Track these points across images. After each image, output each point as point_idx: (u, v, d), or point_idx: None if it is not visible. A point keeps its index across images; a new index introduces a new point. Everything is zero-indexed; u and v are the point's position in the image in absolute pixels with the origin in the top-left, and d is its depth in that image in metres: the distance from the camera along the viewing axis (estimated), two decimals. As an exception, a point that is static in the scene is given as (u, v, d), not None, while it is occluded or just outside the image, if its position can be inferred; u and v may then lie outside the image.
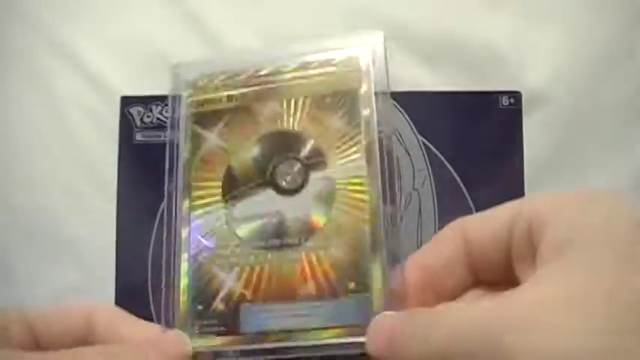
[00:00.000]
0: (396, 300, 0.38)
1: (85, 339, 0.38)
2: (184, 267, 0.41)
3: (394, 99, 0.49)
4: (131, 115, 0.50)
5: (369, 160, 0.41)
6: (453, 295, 0.38)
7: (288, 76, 0.44)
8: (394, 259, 0.39)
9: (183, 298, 0.41)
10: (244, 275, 0.40)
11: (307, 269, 0.40)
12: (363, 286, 0.39)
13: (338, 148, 0.42)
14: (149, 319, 0.43)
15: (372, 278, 0.39)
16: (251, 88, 0.44)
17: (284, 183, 0.42)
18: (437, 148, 0.50)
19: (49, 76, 0.54)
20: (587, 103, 0.53)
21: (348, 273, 0.40)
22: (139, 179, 0.49)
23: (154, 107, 0.49)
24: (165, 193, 0.42)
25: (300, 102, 0.43)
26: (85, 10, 0.55)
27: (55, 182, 0.53)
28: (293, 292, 0.40)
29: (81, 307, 0.39)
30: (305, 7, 0.54)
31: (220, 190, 0.42)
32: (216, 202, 0.42)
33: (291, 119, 0.43)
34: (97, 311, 0.39)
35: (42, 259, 0.52)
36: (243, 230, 0.41)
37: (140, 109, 0.50)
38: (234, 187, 0.42)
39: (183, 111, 0.44)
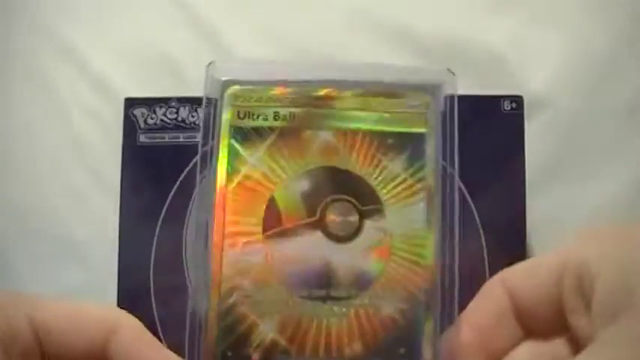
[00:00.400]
0: None
1: (98, 353, 0.34)
2: (214, 306, 0.36)
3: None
4: (135, 116, 0.49)
5: (430, 216, 0.37)
6: (505, 352, 0.37)
7: (347, 103, 0.39)
8: (448, 321, 0.36)
9: (211, 341, 0.36)
10: (285, 325, 0.36)
11: (355, 327, 0.36)
12: (414, 352, 0.36)
13: (397, 197, 0.38)
14: (152, 321, 0.43)
15: (424, 344, 0.36)
16: (302, 109, 0.38)
17: (336, 228, 0.37)
18: (438, 151, 0.50)
19: (53, 78, 0.54)
20: (588, 108, 0.53)
21: (398, 336, 0.36)
22: (142, 181, 0.49)
23: (157, 109, 0.49)
24: (195, 219, 0.38)
25: (359, 137, 0.38)
26: (89, 11, 0.55)
27: (57, 183, 0.53)
28: (338, 350, 0.36)
29: (102, 319, 0.35)
30: (307, 9, 0.55)
31: (261, 223, 0.37)
32: (255, 236, 0.37)
33: (347, 156, 0.38)
34: (120, 327, 0.34)
35: (44, 259, 0.52)
36: (285, 274, 0.37)
37: (144, 110, 0.49)
38: (276, 223, 0.37)
39: (220, 122, 0.38)
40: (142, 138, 0.49)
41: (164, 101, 0.50)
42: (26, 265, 0.52)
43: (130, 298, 0.47)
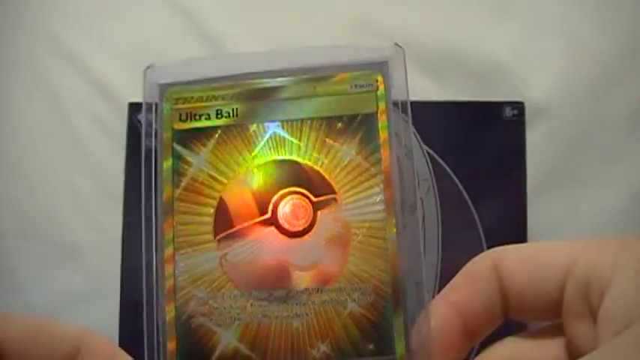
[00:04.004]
0: (421, 357, 0.33)
1: None
2: (170, 320, 0.35)
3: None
4: (139, 121, 0.50)
5: (388, 200, 0.35)
6: (483, 337, 0.35)
7: (292, 92, 0.36)
8: (418, 310, 0.34)
9: (170, 355, 0.34)
10: (246, 331, 0.34)
11: (320, 326, 0.34)
12: (385, 347, 0.34)
13: (352, 183, 0.35)
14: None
15: (395, 337, 0.34)
16: (246, 104, 0.36)
17: (289, 223, 0.35)
18: (441, 158, 0.50)
19: (57, 84, 0.55)
20: (589, 116, 0.53)
21: (366, 332, 0.34)
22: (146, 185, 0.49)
23: (161, 114, 0.50)
24: (143, 227, 0.35)
25: (307, 125, 0.36)
26: (92, 17, 0.56)
27: (61, 188, 0.53)
28: (304, 352, 0.34)
29: (68, 337, 0.33)
30: (311, 18, 0.55)
31: (212, 227, 0.35)
32: (207, 241, 0.35)
33: (297, 146, 0.36)
34: (87, 346, 0.33)
35: (47, 265, 0.52)
36: (241, 278, 0.35)
37: (148, 115, 0.50)
38: (228, 225, 0.35)
39: (163, 126, 0.37)
40: (146, 142, 0.50)
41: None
42: (28, 270, 0.53)
43: (133, 304, 0.47)
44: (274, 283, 0.35)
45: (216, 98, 0.36)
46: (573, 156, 0.53)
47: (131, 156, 0.50)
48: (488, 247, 0.46)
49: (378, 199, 0.35)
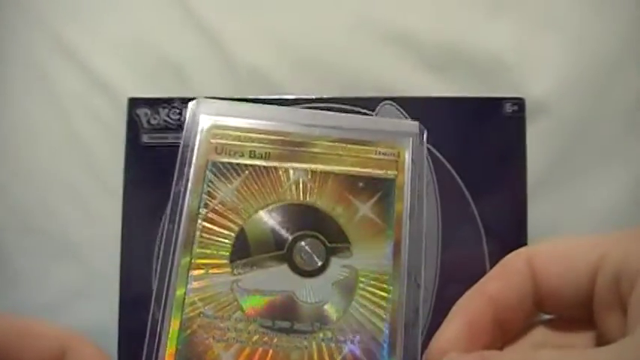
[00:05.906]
0: None
1: None
2: (174, 331, 0.37)
3: (399, 104, 0.50)
4: (138, 116, 0.49)
5: (397, 259, 0.38)
6: (518, 332, 0.36)
7: (322, 146, 0.40)
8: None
9: None
10: (245, 355, 0.36)
11: None
12: None
13: (365, 237, 0.38)
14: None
15: None
16: (278, 148, 0.39)
17: (302, 262, 0.38)
18: (441, 154, 0.50)
19: (56, 78, 0.54)
20: (589, 112, 0.53)
21: None
22: (145, 180, 0.49)
23: (160, 109, 0.49)
24: (162, 242, 0.38)
25: (331, 178, 0.39)
26: (92, 12, 0.55)
27: (60, 183, 0.53)
28: None
29: (54, 338, 0.33)
30: (309, 13, 0.55)
31: (229, 252, 0.38)
32: (222, 265, 0.38)
33: (319, 194, 0.39)
34: (73, 347, 0.33)
35: (46, 260, 0.52)
36: (248, 304, 0.37)
37: (147, 110, 0.49)
38: (244, 254, 0.38)
39: (197, 155, 0.39)
40: (145, 138, 0.50)
41: (167, 102, 0.50)
42: (27, 265, 0.52)
43: (132, 299, 0.47)
44: (280, 315, 0.37)
45: (252, 140, 0.40)
46: (573, 152, 0.53)
47: (130, 151, 0.50)
48: (488, 243, 0.48)
49: (387, 255, 0.38)
